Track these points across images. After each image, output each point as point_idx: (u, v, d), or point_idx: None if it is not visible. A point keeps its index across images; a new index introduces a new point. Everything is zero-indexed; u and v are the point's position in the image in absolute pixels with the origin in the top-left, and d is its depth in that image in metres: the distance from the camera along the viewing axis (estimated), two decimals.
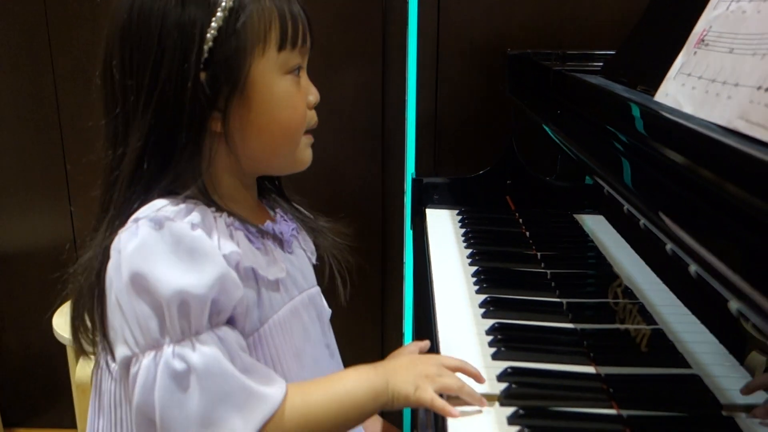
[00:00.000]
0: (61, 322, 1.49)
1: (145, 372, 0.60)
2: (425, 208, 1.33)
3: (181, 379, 0.59)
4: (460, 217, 1.27)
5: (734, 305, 0.49)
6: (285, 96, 0.69)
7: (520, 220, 1.26)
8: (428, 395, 0.67)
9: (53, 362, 1.82)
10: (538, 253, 1.10)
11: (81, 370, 1.43)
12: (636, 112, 0.76)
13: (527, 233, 1.20)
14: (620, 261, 1.04)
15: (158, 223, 0.62)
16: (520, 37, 1.57)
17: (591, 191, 1.31)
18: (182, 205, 0.65)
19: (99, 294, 0.67)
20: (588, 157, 0.83)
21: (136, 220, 0.63)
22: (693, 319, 0.84)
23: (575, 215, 1.28)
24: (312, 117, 0.73)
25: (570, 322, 0.88)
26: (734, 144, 0.55)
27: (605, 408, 0.69)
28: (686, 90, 0.77)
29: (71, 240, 1.77)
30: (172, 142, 0.65)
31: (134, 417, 0.64)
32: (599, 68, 1.13)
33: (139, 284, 0.60)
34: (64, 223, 1.76)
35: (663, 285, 0.93)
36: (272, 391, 0.63)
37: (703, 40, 0.78)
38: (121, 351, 0.62)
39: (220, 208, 0.68)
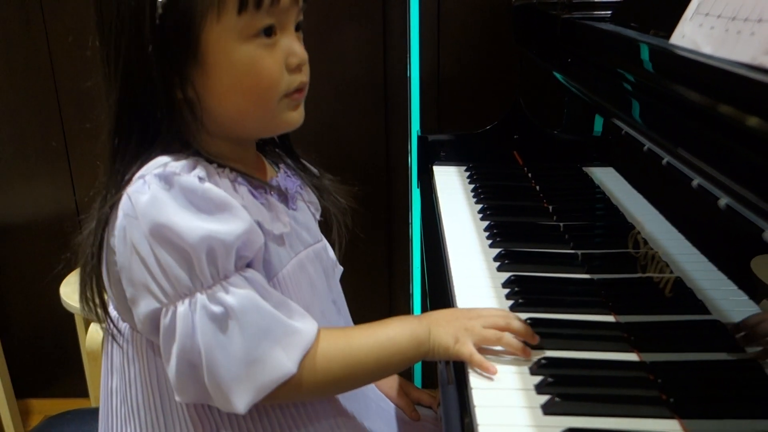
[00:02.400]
0: (69, 291, 1.48)
1: (183, 320, 0.61)
2: (432, 165, 1.31)
3: (220, 321, 0.60)
4: (468, 173, 1.25)
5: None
6: (248, 62, 0.65)
7: (529, 175, 1.24)
8: (467, 349, 0.68)
9: (61, 331, 1.82)
10: (550, 206, 1.08)
11: (91, 337, 1.42)
12: (651, 53, 0.74)
13: (537, 187, 1.18)
14: (632, 211, 1.02)
15: (166, 179, 0.62)
16: None
17: (599, 143, 1.29)
18: (185, 161, 0.64)
19: (106, 256, 0.67)
20: (607, 101, 0.81)
21: (143, 177, 0.62)
22: (711, 266, 0.83)
23: (584, 168, 1.26)
24: (293, 80, 0.68)
25: (585, 273, 0.87)
26: (761, 78, 0.53)
27: (627, 354, 0.69)
28: (704, 30, 0.74)
29: (74, 207, 1.75)
30: (144, 109, 0.65)
31: (175, 363, 0.63)
32: (607, 16, 1.11)
33: (162, 235, 0.60)
34: (65, 191, 1.74)
35: (677, 233, 0.91)
36: (306, 326, 0.65)
37: None
38: (146, 305, 0.63)
39: (221, 165, 0.68)
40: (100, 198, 0.68)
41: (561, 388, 0.63)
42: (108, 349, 0.75)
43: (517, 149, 1.36)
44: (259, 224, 0.67)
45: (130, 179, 0.64)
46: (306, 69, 0.69)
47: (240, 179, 0.68)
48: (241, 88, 0.65)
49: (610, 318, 0.76)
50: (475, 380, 0.65)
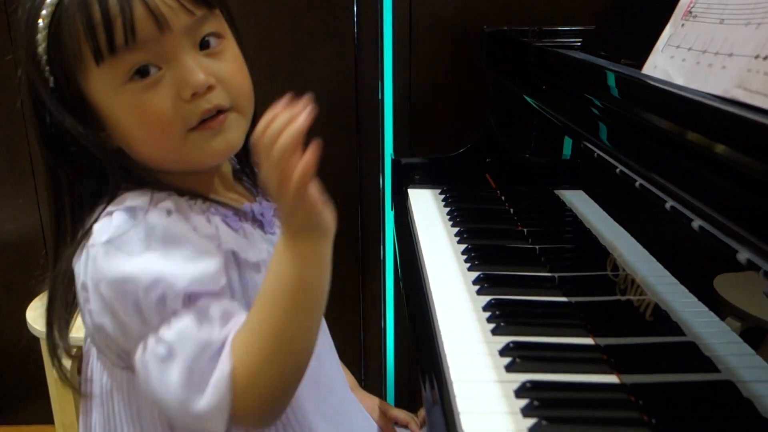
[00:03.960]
0: (35, 316, 1.45)
1: (139, 367, 0.62)
2: (407, 188, 1.32)
3: (165, 358, 0.60)
4: (443, 196, 1.27)
5: (743, 256, 0.50)
6: (130, 109, 0.62)
7: (503, 197, 1.26)
8: (289, 197, 0.60)
9: (24, 356, 1.78)
10: (525, 229, 1.10)
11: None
12: (625, 83, 0.77)
13: (511, 210, 1.20)
14: (604, 233, 1.05)
15: (132, 213, 0.62)
16: (492, 13, 1.57)
17: (569, 166, 1.32)
18: (157, 195, 0.65)
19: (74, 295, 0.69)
20: (581, 127, 0.84)
21: (110, 213, 0.63)
22: (681, 287, 0.86)
23: (555, 191, 1.28)
24: (192, 111, 0.62)
25: (563, 295, 0.89)
26: (736, 111, 0.56)
27: (607, 376, 0.70)
28: (676, 62, 0.77)
29: (39, 227, 1.72)
30: (81, 163, 0.67)
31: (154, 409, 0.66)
32: (577, 44, 1.14)
33: (117, 285, 0.61)
34: (30, 214, 1.71)
35: (648, 255, 0.94)
36: (227, 329, 0.63)
37: (690, 12, 0.79)
38: (114, 349, 0.65)
39: (193, 195, 0.68)
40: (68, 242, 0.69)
41: (547, 411, 0.64)
42: (86, 383, 0.74)
43: (489, 172, 1.38)
44: (234, 253, 0.67)
45: (96, 219, 0.65)
46: (214, 92, 0.63)
47: (213, 209, 0.68)
48: (138, 134, 0.64)
49: (589, 340, 0.78)
50: (462, 403, 0.66)
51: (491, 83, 1.42)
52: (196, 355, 0.60)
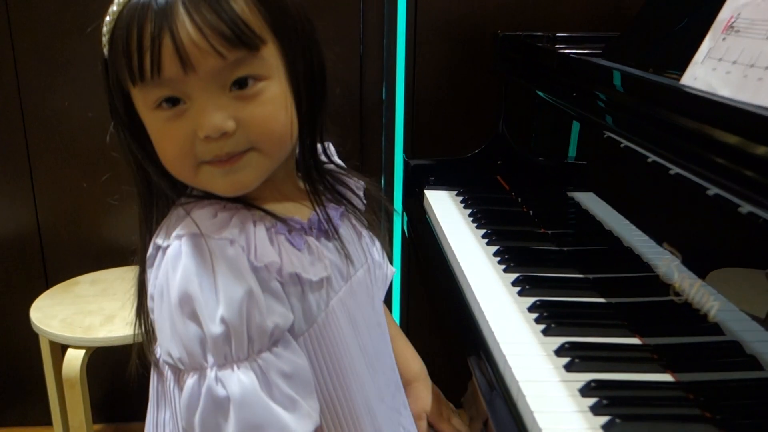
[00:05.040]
0: (40, 316, 1.43)
1: (189, 392, 0.62)
2: (422, 189, 1.34)
3: (220, 404, 0.60)
4: (460, 198, 1.29)
5: None
6: (154, 132, 0.64)
7: (519, 200, 1.29)
8: None
9: (19, 356, 1.75)
10: (548, 232, 1.13)
11: (69, 364, 1.37)
12: (676, 95, 0.80)
13: (530, 212, 1.23)
14: (623, 234, 1.09)
15: (198, 244, 0.62)
16: (495, 17, 1.60)
17: (578, 169, 1.35)
18: (221, 215, 0.64)
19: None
20: (619, 134, 0.87)
21: (179, 238, 0.63)
22: (710, 289, 0.90)
23: (567, 193, 1.32)
24: (205, 150, 0.61)
25: (600, 296, 0.92)
26: None
27: (662, 375, 0.74)
28: (719, 74, 0.81)
29: (35, 227, 1.69)
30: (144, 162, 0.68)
31: (183, 422, 0.65)
32: (597, 51, 1.18)
33: (189, 308, 0.61)
34: (27, 213, 1.68)
35: (669, 254, 0.98)
36: (300, 427, 0.63)
37: (732, 26, 0.83)
38: (168, 359, 0.64)
39: (259, 210, 0.67)
40: (143, 242, 0.70)
41: (616, 409, 0.67)
42: (154, 382, 0.74)
43: (501, 174, 1.41)
44: (298, 276, 0.66)
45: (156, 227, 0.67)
46: (230, 139, 0.61)
47: (278, 226, 0.67)
48: (160, 153, 0.65)
49: (636, 340, 0.81)
50: (534, 403, 0.69)
51: (502, 87, 1.45)
52: (251, 428, 0.60)
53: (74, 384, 1.39)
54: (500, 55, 1.38)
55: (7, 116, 1.61)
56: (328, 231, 0.72)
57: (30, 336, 1.59)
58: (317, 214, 0.71)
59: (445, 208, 1.25)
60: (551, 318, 0.84)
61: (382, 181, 1.67)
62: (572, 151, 1.35)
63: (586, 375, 0.73)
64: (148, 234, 0.69)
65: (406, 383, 0.88)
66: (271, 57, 0.63)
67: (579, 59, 1.06)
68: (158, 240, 0.65)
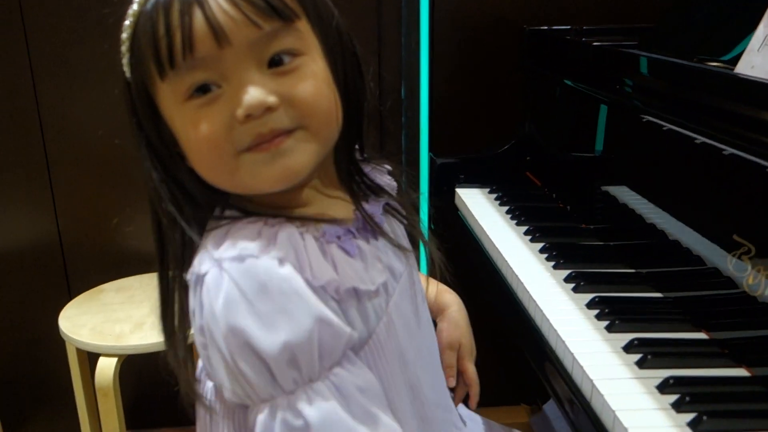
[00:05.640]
0: (69, 325, 1.41)
1: (262, 426, 0.57)
2: (453, 187, 1.33)
3: None
4: (494, 196, 1.28)
5: None
6: (188, 125, 0.57)
7: (553, 195, 1.28)
8: None
9: (45, 367, 1.73)
10: (591, 227, 1.13)
11: (102, 373, 1.35)
12: (742, 84, 0.79)
13: (567, 208, 1.22)
14: (666, 228, 1.08)
15: (242, 267, 0.56)
16: (517, 11, 1.58)
17: (609, 162, 1.35)
18: (265, 233, 0.58)
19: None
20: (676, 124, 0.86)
21: (220, 263, 0.57)
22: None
23: (601, 187, 1.31)
24: (244, 133, 0.56)
25: (656, 291, 0.91)
26: None
27: (736, 370, 0.73)
28: None
29: (57, 236, 1.67)
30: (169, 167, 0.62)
31: None
32: (631, 43, 1.17)
33: (240, 340, 0.55)
34: (47, 220, 1.66)
35: (710, 242, 0.97)
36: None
37: None
38: (228, 394, 0.59)
39: (304, 220, 0.61)
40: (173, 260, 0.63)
41: (700, 405, 0.66)
42: (206, 420, 0.71)
43: (531, 170, 1.40)
44: (355, 290, 0.60)
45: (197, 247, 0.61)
46: (274, 114, 0.56)
47: (328, 234, 0.61)
48: (192, 153, 0.58)
49: (702, 335, 0.80)
50: (613, 402, 0.68)
51: (527, 82, 1.44)
52: None
53: (107, 392, 1.37)
54: (527, 50, 1.37)
55: (25, 126, 1.58)
56: (373, 229, 0.66)
57: (55, 345, 1.57)
58: (360, 213, 0.65)
59: (481, 206, 1.24)
60: (613, 314, 0.83)
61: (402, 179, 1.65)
62: (599, 145, 1.35)
63: (662, 372, 0.72)
64: (161, 266, 0.63)
65: (440, 310, 0.84)
66: (306, 32, 0.58)
67: (629, 53, 1.05)
68: (195, 266, 0.59)
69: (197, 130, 0.56)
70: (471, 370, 0.83)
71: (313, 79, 0.58)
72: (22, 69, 1.55)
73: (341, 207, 0.66)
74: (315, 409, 0.55)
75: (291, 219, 0.60)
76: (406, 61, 1.54)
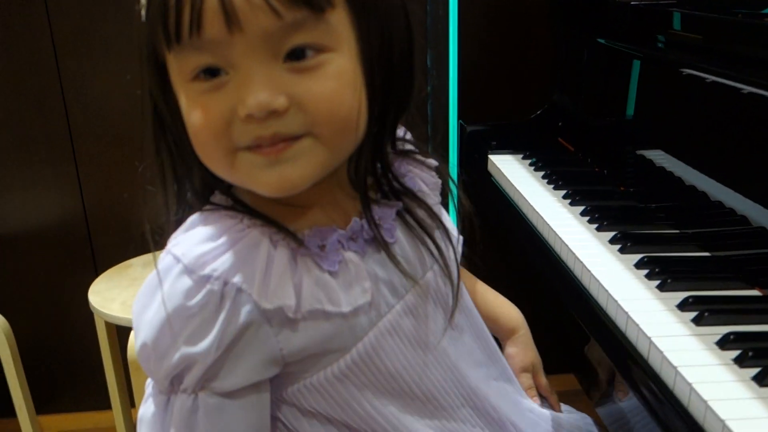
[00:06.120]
0: (99, 299, 1.41)
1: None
2: (487, 154, 1.32)
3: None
4: (528, 161, 1.27)
5: None
6: (187, 108, 0.52)
7: (588, 160, 1.27)
8: None
9: (74, 343, 1.74)
10: (630, 189, 1.11)
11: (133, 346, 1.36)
12: None
13: (605, 171, 1.21)
14: (707, 189, 1.06)
15: (171, 268, 0.53)
16: None
17: (645, 127, 1.33)
18: (230, 235, 0.54)
19: None
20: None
21: (169, 252, 0.55)
22: None
23: (636, 152, 1.29)
24: (245, 132, 0.50)
25: (704, 251, 0.90)
26: None
27: None
28: None
29: (82, 213, 1.66)
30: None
31: None
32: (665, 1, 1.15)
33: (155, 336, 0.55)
34: (73, 197, 1.65)
35: (753, 203, 0.95)
36: None
37: None
38: None
39: (280, 228, 0.55)
40: None
41: (764, 360, 0.65)
42: None
43: (563, 136, 1.38)
44: (323, 312, 0.55)
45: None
46: (281, 118, 0.49)
47: (309, 243, 0.55)
48: (191, 137, 0.53)
49: (755, 292, 0.79)
50: (673, 357, 0.67)
51: (558, 43, 1.41)
52: None
53: (139, 366, 1.38)
54: (557, 9, 1.34)
55: (49, 102, 1.57)
56: (373, 241, 0.59)
57: (83, 321, 1.58)
58: (369, 222, 0.58)
59: (516, 172, 1.22)
60: (663, 274, 0.82)
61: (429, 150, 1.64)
62: (631, 109, 1.33)
63: (720, 328, 0.71)
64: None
65: (509, 334, 0.84)
66: (339, 24, 0.51)
67: (666, 9, 1.03)
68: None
69: (197, 117, 0.51)
70: (544, 383, 0.84)
71: (336, 81, 0.51)
72: (44, 45, 1.53)
73: (346, 207, 0.60)
74: (145, 407, 0.57)
75: (268, 224, 0.55)
76: (432, 27, 1.51)
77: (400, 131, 0.65)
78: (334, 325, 0.55)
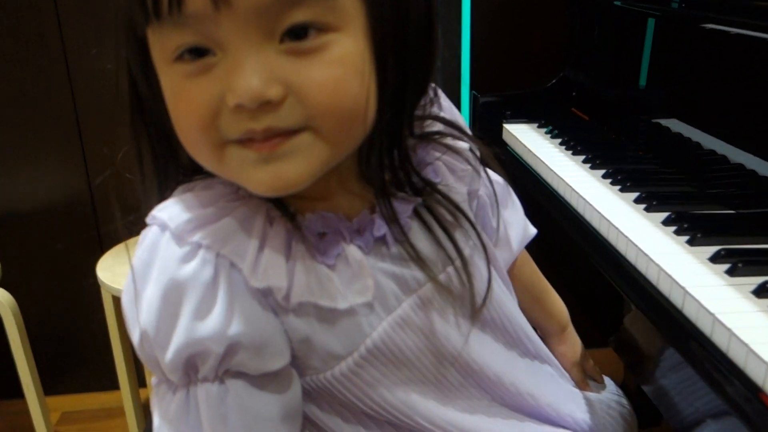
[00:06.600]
0: (109, 275, 1.39)
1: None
2: (502, 123, 1.31)
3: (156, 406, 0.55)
4: (544, 129, 1.26)
5: None
6: (169, 93, 0.47)
7: (605, 128, 1.26)
8: None
9: (80, 323, 1.72)
10: (650, 154, 1.10)
11: None
12: None
13: (622, 138, 1.20)
14: (726, 154, 1.05)
15: (166, 238, 0.49)
16: None
17: (658, 96, 1.32)
18: (221, 205, 0.50)
19: None
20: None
21: (152, 221, 0.50)
22: None
23: (651, 120, 1.29)
24: (233, 124, 0.44)
25: (729, 209, 0.89)
26: None
27: None
28: None
29: (87, 191, 1.65)
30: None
31: None
32: None
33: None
34: (78, 175, 1.63)
35: (762, 161, 0.94)
36: None
37: None
38: None
39: (279, 206, 0.51)
40: None
41: None
42: None
43: (577, 106, 1.37)
44: (315, 306, 0.51)
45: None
46: (276, 110, 0.43)
47: (309, 228, 0.51)
48: (175, 125, 0.48)
49: None
50: (711, 306, 0.65)
51: (572, 7, 1.40)
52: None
53: None
54: None
55: (54, 77, 1.55)
56: (386, 236, 0.54)
57: (90, 299, 1.57)
58: (382, 215, 0.53)
59: (533, 139, 1.21)
60: (692, 229, 0.81)
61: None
62: (643, 80, 1.32)
63: (754, 278, 0.70)
64: None
65: (560, 332, 0.83)
66: (347, 0, 0.45)
67: None
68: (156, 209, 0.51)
69: (180, 105, 0.46)
70: (591, 365, 0.83)
71: (341, 67, 0.44)
72: (49, 20, 1.51)
73: (357, 197, 0.54)
74: (160, 415, 0.52)
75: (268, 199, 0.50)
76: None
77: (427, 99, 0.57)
78: (330, 321, 0.51)
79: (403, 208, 0.54)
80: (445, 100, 0.62)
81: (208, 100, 0.44)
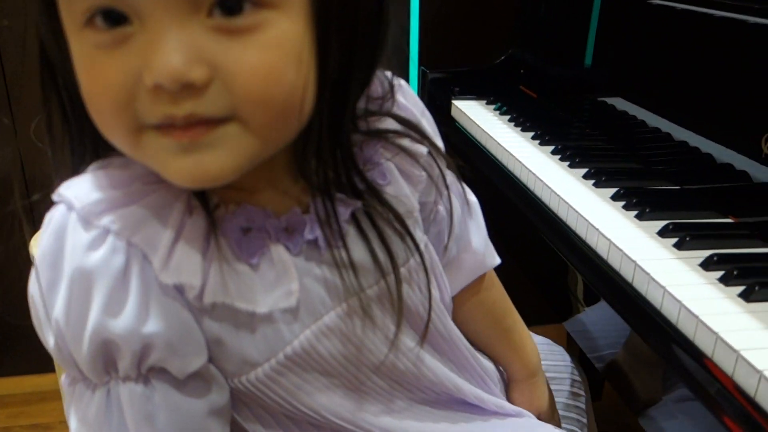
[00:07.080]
0: None
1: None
2: (451, 100, 1.30)
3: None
4: (493, 106, 1.26)
5: None
6: (77, 65, 0.41)
7: (552, 105, 1.26)
8: None
9: (12, 304, 1.65)
10: (596, 132, 1.11)
11: None
12: None
13: (570, 115, 1.21)
14: (666, 129, 1.07)
15: (72, 220, 0.44)
16: None
17: (603, 75, 1.33)
18: (135, 188, 0.45)
19: None
20: None
21: (59, 198, 0.45)
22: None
23: (598, 98, 1.30)
24: (150, 108, 0.39)
25: (674, 184, 0.90)
26: None
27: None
28: None
29: (19, 167, 1.57)
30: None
31: None
32: None
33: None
34: (9, 149, 1.56)
35: (705, 140, 0.95)
36: None
37: None
38: None
39: (199, 196, 0.46)
40: None
41: (748, 279, 0.65)
42: None
43: (524, 84, 1.38)
44: (230, 307, 0.47)
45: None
46: (200, 95, 0.38)
47: (233, 222, 0.46)
48: (86, 103, 0.42)
49: (729, 219, 0.80)
50: (661, 278, 0.66)
51: None
52: None
53: None
54: None
55: None
56: (318, 240, 0.49)
57: (19, 280, 1.49)
58: (317, 216, 0.49)
59: (482, 116, 1.21)
60: (641, 204, 0.82)
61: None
62: (589, 59, 1.33)
63: (702, 252, 0.71)
64: None
65: (527, 377, 0.71)
66: None
67: None
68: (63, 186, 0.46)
69: (91, 80, 0.40)
70: (557, 420, 0.74)
71: (276, 51, 0.40)
72: None
73: (289, 194, 0.50)
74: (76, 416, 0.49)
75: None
76: None
77: (378, 89, 0.52)
78: (247, 325, 0.47)
79: (341, 211, 0.49)
80: (410, 99, 0.57)
81: (123, 79, 0.39)
